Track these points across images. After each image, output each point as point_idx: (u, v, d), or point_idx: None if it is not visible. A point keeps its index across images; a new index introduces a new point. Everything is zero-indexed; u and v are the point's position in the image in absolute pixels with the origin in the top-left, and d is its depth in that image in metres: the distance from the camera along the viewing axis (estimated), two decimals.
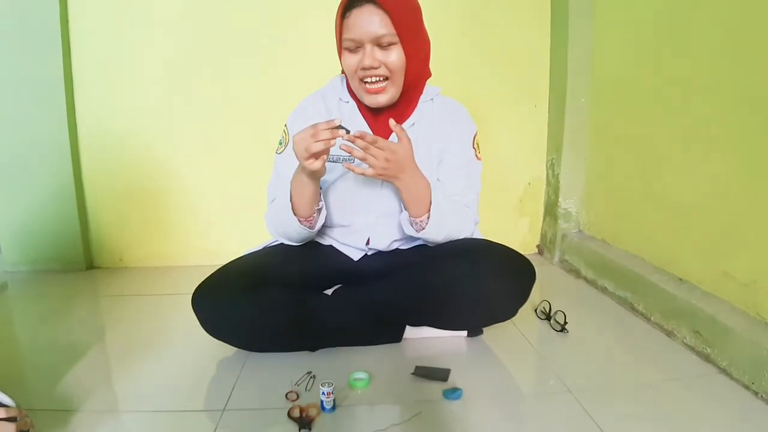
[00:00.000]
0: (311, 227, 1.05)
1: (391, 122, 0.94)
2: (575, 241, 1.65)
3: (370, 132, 1.05)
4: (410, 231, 1.05)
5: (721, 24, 1.07)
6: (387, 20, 0.95)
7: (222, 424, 0.85)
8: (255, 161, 1.69)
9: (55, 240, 1.74)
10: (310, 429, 0.82)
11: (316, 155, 0.91)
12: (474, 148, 1.12)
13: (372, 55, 0.97)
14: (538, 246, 1.88)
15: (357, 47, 0.98)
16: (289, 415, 0.85)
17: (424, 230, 1.03)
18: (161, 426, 0.86)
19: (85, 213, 1.77)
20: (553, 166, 1.77)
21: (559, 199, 1.72)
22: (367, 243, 1.13)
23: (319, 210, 1.05)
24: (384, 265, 1.12)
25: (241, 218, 1.76)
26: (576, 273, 1.61)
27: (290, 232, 1.07)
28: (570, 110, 1.65)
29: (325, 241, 1.17)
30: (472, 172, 1.12)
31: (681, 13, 1.20)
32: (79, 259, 1.76)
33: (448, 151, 1.10)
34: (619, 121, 1.49)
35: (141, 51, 1.69)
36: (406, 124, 1.08)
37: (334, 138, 0.90)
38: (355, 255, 1.15)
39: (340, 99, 1.11)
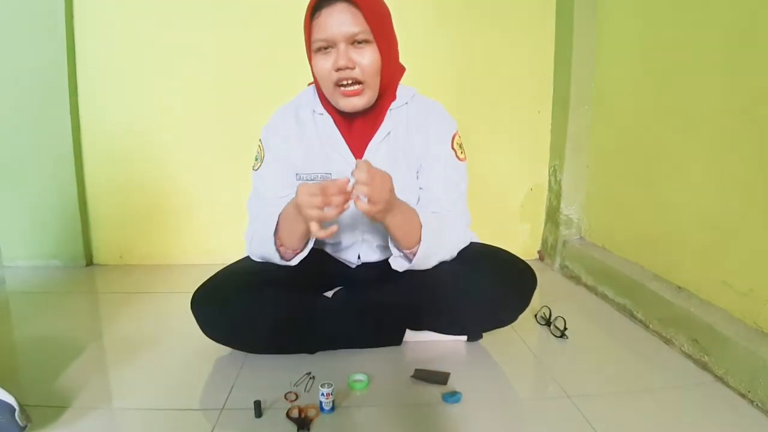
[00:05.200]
0: (288, 260, 1.01)
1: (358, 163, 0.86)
2: (576, 248, 1.65)
3: (351, 155, 1.04)
4: (401, 265, 1.01)
5: (725, 35, 1.08)
6: (360, 17, 0.90)
7: (220, 424, 0.85)
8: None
9: (56, 236, 1.74)
10: (308, 430, 0.82)
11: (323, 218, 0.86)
12: (454, 148, 1.06)
13: (346, 55, 0.92)
14: (539, 252, 1.89)
15: (329, 48, 0.93)
16: (287, 415, 0.85)
17: (415, 258, 0.98)
18: (159, 424, 0.86)
19: (86, 209, 1.78)
20: (555, 173, 1.77)
21: (561, 206, 1.73)
22: (359, 258, 1.13)
23: (306, 245, 1.01)
24: (384, 269, 1.12)
25: (241, 218, 1.75)
26: (576, 279, 1.62)
27: (270, 258, 1.03)
28: (573, 117, 1.66)
29: (320, 247, 1.16)
30: (454, 173, 1.07)
31: (684, 22, 1.20)
32: (78, 255, 1.76)
33: (427, 155, 1.05)
34: (622, 128, 1.49)
35: (144, 49, 1.70)
36: (380, 134, 1.04)
37: (347, 202, 0.85)
38: (352, 263, 1.15)
39: (314, 111, 1.06)
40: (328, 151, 1.04)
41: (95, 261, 1.82)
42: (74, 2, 1.66)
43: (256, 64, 1.72)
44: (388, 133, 1.05)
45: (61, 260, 1.76)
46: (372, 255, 1.12)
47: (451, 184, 1.07)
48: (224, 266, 1.12)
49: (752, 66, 1.00)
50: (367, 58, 0.93)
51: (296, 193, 0.88)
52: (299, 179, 1.06)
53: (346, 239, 1.11)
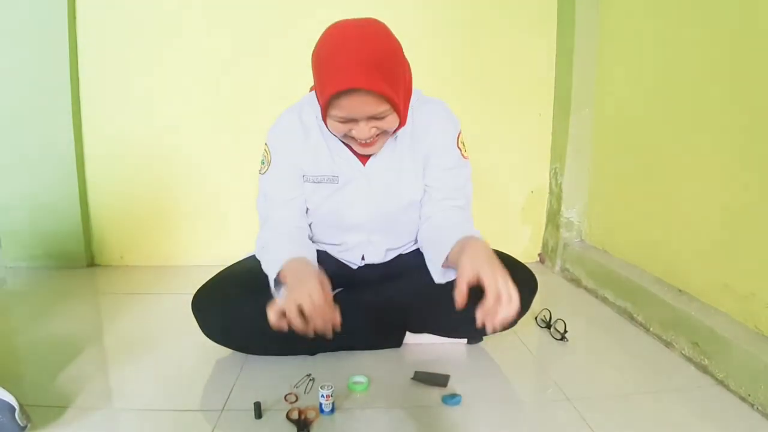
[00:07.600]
0: None
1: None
2: (577, 251, 1.65)
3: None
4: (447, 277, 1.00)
5: (727, 38, 1.08)
6: (382, 98, 0.87)
7: (220, 425, 0.85)
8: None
9: (57, 236, 1.74)
10: (308, 431, 0.82)
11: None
12: (459, 147, 1.06)
13: (367, 130, 0.91)
14: (539, 255, 1.89)
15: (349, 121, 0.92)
16: (287, 416, 0.85)
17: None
18: (159, 424, 0.86)
19: (87, 210, 1.78)
20: (556, 175, 1.77)
21: (562, 208, 1.73)
22: (362, 259, 1.13)
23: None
24: (384, 271, 1.13)
25: (242, 219, 1.77)
26: (577, 282, 1.62)
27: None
28: (574, 120, 1.66)
29: (322, 248, 1.16)
30: (461, 173, 1.07)
31: (686, 24, 1.21)
32: (80, 255, 1.76)
33: (433, 154, 1.05)
34: (623, 131, 1.49)
35: (147, 50, 1.70)
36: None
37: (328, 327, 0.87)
38: (354, 264, 1.15)
39: (317, 117, 1.04)
40: (334, 153, 1.05)
41: (96, 262, 1.82)
42: (76, 4, 1.67)
43: (260, 66, 1.72)
44: (395, 137, 1.04)
45: (62, 261, 1.76)
46: (376, 256, 1.12)
47: (459, 184, 1.07)
48: (225, 267, 1.12)
49: (754, 70, 1.00)
50: (388, 122, 0.93)
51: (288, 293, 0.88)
52: (306, 181, 1.06)
53: (352, 239, 1.10)
